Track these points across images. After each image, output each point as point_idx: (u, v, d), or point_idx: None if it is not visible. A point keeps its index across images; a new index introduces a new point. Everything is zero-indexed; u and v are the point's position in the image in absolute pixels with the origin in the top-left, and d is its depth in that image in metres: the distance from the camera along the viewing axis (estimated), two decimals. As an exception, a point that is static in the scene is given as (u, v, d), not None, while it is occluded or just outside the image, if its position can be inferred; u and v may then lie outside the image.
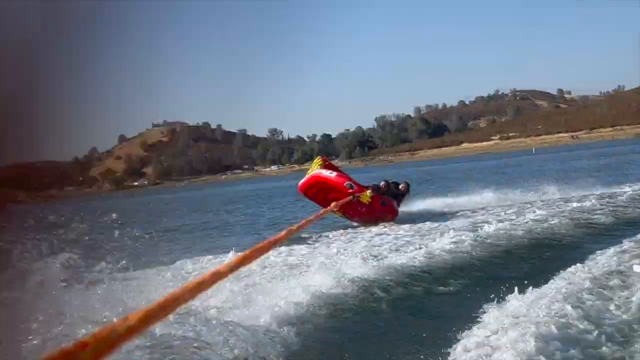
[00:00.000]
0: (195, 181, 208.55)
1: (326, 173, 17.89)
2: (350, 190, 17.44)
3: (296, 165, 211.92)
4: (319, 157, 19.37)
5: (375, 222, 17.51)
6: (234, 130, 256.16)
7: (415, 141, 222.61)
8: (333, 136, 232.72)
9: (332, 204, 11.93)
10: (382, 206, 17.89)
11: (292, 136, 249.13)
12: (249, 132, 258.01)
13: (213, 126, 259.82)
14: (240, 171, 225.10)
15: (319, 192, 18.01)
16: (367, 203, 17.47)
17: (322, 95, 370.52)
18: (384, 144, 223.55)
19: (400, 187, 19.23)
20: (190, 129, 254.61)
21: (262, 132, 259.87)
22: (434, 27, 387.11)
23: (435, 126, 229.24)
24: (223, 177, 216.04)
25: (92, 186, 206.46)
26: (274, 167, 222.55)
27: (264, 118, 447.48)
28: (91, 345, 1.41)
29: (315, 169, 18.25)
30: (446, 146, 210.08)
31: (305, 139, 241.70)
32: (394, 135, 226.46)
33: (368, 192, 17.50)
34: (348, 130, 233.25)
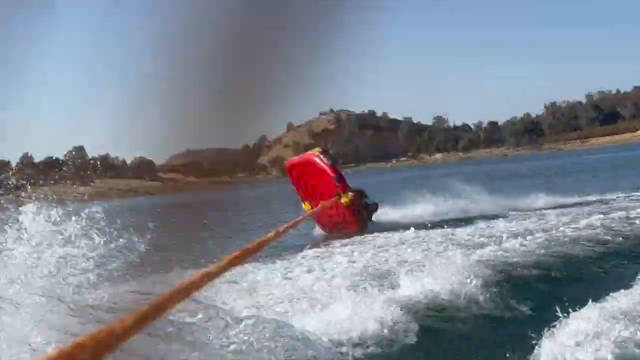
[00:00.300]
0: (360, 168, 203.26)
1: (320, 159, 17.44)
2: (336, 185, 17.04)
3: (461, 153, 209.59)
4: (319, 147, 19.00)
5: (337, 230, 16.92)
6: (399, 118, 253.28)
7: (585, 128, 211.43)
8: (500, 123, 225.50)
9: (309, 212, 13.06)
10: (354, 215, 17.30)
11: (458, 123, 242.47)
12: (415, 120, 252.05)
13: (379, 114, 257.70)
14: (404, 159, 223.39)
15: (302, 175, 17.66)
16: (344, 205, 16.85)
17: (490, 82, 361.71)
18: (553, 132, 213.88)
19: (369, 205, 18.71)
20: (356, 117, 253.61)
21: (427, 120, 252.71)
22: (606, 8, 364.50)
23: (607, 113, 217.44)
24: (388, 164, 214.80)
25: (261, 173, 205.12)
26: (438, 155, 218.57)
27: (430, 105, 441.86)
28: (89, 347, 1.44)
29: (313, 153, 17.98)
30: (619, 134, 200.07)
31: (472, 126, 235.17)
32: (564, 122, 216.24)
33: (350, 194, 17.02)
34: (515, 117, 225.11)
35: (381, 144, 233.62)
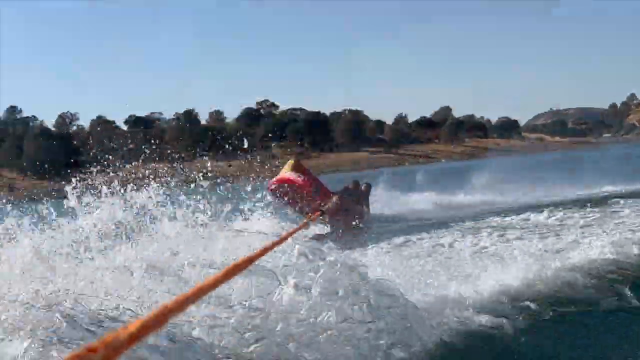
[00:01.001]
0: None
1: (294, 176, 16.76)
2: (316, 199, 16.30)
3: None
4: (292, 159, 17.95)
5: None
6: None
7: None
8: None
9: (313, 216, 12.93)
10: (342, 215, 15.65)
11: None
12: None
13: None
14: None
15: (286, 192, 16.82)
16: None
17: None
18: None
19: (362, 187, 16.89)
20: None
21: None
22: None
23: None
24: None
25: (629, 133, 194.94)
26: None
27: None
28: (100, 350, 1.55)
29: (286, 171, 17.16)
30: None
31: None
32: None
33: (334, 199, 15.94)
34: None
35: None
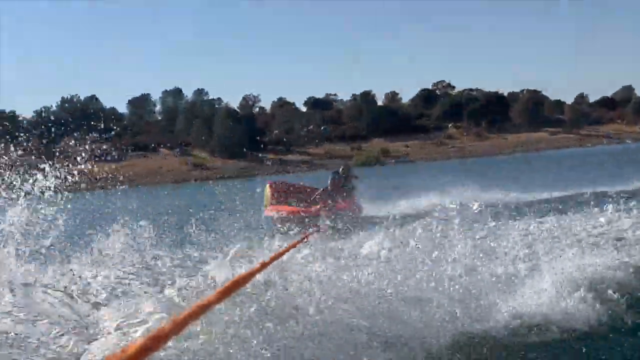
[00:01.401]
0: None
1: (279, 209, 16.78)
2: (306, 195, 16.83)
3: None
4: (267, 185, 17.96)
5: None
6: None
7: None
8: None
9: (308, 233, 10.94)
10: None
11: None
12: None
13: None
14: None
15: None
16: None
17: None
18: None
19: (340, 170, 18.18)
20: None
21: None
22: None
23: None
24: None
25: None
26: None
27: None
28: None
29: (267, 204, 17.35)
30: None
31: None
32: None
33: (318, 195, 16.49)
34: None
35: None
